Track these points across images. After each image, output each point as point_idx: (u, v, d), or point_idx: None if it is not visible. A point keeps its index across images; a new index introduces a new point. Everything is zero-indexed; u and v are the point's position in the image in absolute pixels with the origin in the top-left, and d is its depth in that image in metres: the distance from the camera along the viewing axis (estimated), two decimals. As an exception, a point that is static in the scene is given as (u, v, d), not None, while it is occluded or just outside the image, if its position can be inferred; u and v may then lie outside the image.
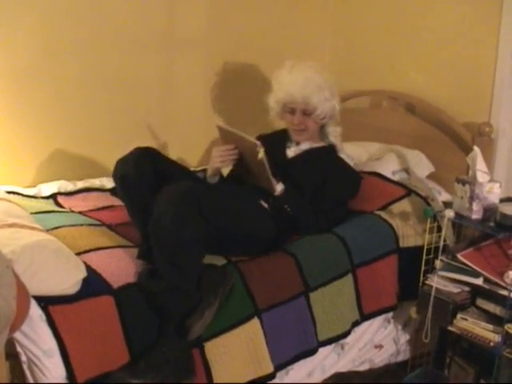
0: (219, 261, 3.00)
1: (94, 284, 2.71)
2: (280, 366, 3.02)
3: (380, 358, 3.54)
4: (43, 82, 3.79)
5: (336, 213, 3.41)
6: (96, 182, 3.88)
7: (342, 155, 3.60)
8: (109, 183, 3.82)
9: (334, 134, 3.62)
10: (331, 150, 3.58)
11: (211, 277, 2.85)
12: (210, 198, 2.92)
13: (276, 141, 3.60)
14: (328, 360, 3.26)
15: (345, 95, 4.52)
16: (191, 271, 2.79)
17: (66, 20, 3.79)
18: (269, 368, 2.96)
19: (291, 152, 3.58)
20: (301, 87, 3.38)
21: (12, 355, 2.53)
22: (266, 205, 3.26)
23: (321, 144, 3.60)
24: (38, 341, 2.52)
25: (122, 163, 3.06)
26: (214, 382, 2.81)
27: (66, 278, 2.59)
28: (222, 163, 3.29)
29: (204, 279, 2.82)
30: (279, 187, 3.23)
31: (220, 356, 2.83)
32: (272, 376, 2.98)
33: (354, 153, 4.02)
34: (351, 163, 3.59)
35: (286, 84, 3.43)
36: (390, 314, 3.49)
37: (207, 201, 2.87)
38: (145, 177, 3.01)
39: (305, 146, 3.56)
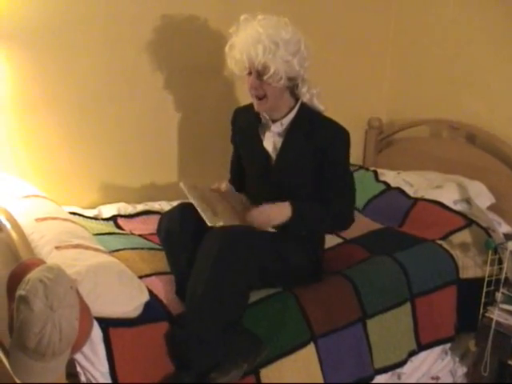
0: (274, 289, 3.00)
1: (154, 309, 2.72)
2: (335, 392, 3.00)
3: (436, 390, 3.49)
4: (104, 108, 3.85)
5: (348, 187, 3.11)
6: (155, 206, 3.90)
7: (319, 110, 3.15)
8: (168, 206, 3.85)
9: (306, 96, 3.10)
10: (306, 117, 3.09)
11: (245, 342, 2.76)
12: (252, 243, 2.85)
13: (249, 127, 3.20)
14: (383, 389, 3.23)
15: (404, 124, 4.55)
16: (219, 329, 2.68)
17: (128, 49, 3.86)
18: (324, 395, 2.94)
19: (269, 143, 3.13)
20: (251, 44, 2.89)
21: (72, 375, 2.53)
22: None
23: (290, 116, 3.08)
24: (97, 363, 2.53)
25: (167, 218, 3.03)
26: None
27: (129, 301, 2.61)
28: None
29: (237, 342, 2.72)
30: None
31: (275, 381, 2.82)
32: (327, 403, 2.95)
33: (413, 180, 4.01)
34: (322, 108, 3.16)
35: (239, 41, 2.97)
36: (448, 346, 3.44)
37: (251, 246, 2.81)
38: (188, 233, 2.94)
39: (276, 127, 3.09)
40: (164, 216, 3.08)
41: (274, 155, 3.10)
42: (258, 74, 2.95)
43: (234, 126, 3.35)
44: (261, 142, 3.13)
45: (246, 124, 3.22)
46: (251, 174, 3.25)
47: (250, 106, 3.16)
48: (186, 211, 2.99)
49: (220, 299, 2.66)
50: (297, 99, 3.10)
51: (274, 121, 3.08)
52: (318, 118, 3.09)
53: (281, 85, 2.96)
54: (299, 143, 3.04)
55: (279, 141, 3.09)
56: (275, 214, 2.96)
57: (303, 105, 3.10)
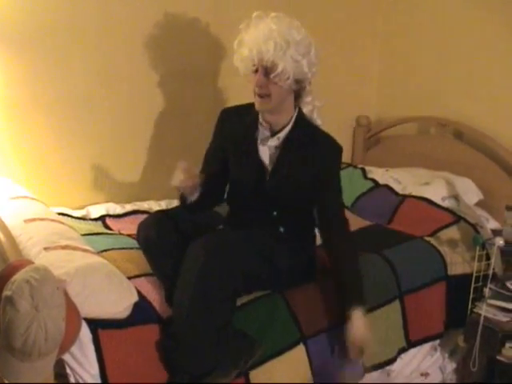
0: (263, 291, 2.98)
1: (143, 311, 2.72)
2: (325, 392, 3.00)
3: (426, 387, 3.50)
4: (94, 107, 3.85)
5: (342, 207, 3.11)
6: (144, 205, 3.91)
7: (317, 123, 3.13)
8: (157, 206, 3.87)
9: (308, 107, 3.09)
10: (304, 130, 3.04)
11: (238, 343, 2.75)
12: (237, 249, 2.82)
13: (244, 133, 3.09)
14: (373, 387, 3.24)
15: (392, 122, 4.55)
16: (210, 335, 2.66)
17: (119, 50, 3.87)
18: (313, 395, 2.95)
19: (264, 153, 3.04)
20: (262, 41, 2.83)
21: (61, 376, 2.53)
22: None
23: (287, 129, 3.01)
24: (87, 364, 2.53)
25: (144, 227, 2.98)
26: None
27: (119, 302, 2.60)
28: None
29: (230, 344, 2.71)
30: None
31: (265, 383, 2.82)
32: (317, 402, 2.96)
33: (401, 177, 4.02)
34: (320, 123, 3.14)
35: (249, 37, 2.90)
36: (437, 342, 3.46)
37: (235, 252, 2.79)
38: (167, 239, 2.90)
39: (273, 141, 3.02)
40: (140, 225, 3.02)
41: (269, 168, 3.03)
42: (266, 71, 2.86)
43: (223, 126, 3.18)
44: (256, 151, 3.04)
45: (240, 129, 3.09)
46: (240, 184, 3.12)
47: (241, 108, 3.13)
48: (161, 219, 2.97)
49: (207, 308, 2.64)
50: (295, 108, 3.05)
51: (272, 132, 3.02)
52: (316, 132, 3.06)
53: (287, 85, 2.88)
54: (296, 157, 2.98)
55: (275, 153, 3.02)
56: (363, 325, 2.87)
57: (300, 115, 3.05)
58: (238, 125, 3.10)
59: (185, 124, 4.19)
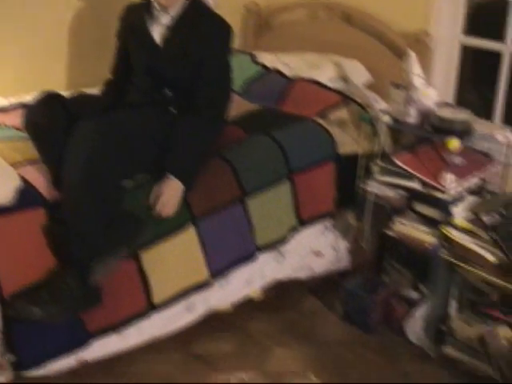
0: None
1: (28, 195, 2.67)
2: (219, 272, 3.04)
3: (320, 266, 3.55)
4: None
5: (223, 80, 3.16)
6: (27, 98, 3.77)
7: (209, 6, 3.28)
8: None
9: None
10: (196, 11, 3.13)
11: (125, 222, 2.76)
12: (128, 131, 2.86)
13: (139, 22, 3.17)
14: (267, 267, 3.28)
15: (281, 7, 4.48)
16: (97, 218, 2.66)
17: None
18: (205, 274, 2.98)
19: (157, 35, 3.11)
20: None
21: None
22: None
23: (180, 8, 3.10)
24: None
25: (32, 109, 2.90)
26: (152, 291, 2.83)
27: (1, 187, 2.55)
28: None
29: (118, 224, 2.73)
30: None
31: (157, 265, 2.84)
32: (209, 282, 3.00)
33: (291, 61, 3.99)
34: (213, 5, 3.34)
35: None
36: (330, 222, 3.50)
37: (126, 134, 2.82)
38: (54, 122, 2.84)
39: (165, 19, 3.10)
40: (28, 108, 2.94)
41: (161, 45, 3.09)
42: None
43: (124, 22, 3.27)
44: (150, 34, 3.11)
45: (137, 20, 3.17)
46: (138, 67, 3.19)
47: (142, 3, 3.19)
48: (49, 101, 2.90)
49: (97, 190, 2.63)
50: None
51: (165, 13, 3.08)
52: (206, 12, 3.15)
53: None
54: (186, 35, 3.06)
55: (168, 33, 3.09)
56: (172, 197, 2.87)
57: (195, 1, 3.14)
58: (136, 17, 3.20)
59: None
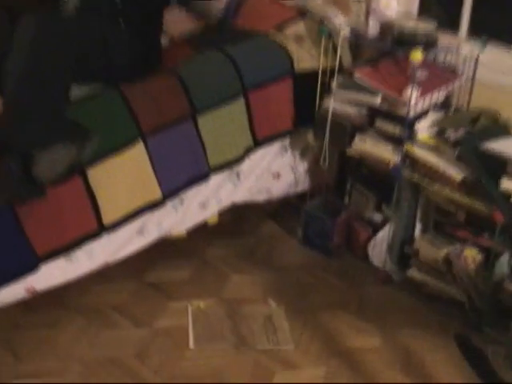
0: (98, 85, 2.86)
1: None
2: (171, 192, 2.93)
3: (278, 188, 3.46)
4: None
5: None
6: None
7: None
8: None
9: None
10: None
11: (73, 128, 2.63)
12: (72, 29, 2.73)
13: None
14: (223, 190, 3.17)
15: None
16: (42, 109, 2.55)
17: None
18: (156, 193, 2.87)
19: None
20: None
21: None
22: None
23: None
24: None
25: None
26: (101, 210, 2.71)
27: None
28: None
29: (64, 127, 2.60)
30: None
31: (104, 182, 2.71)
32: (161, 202, 2.89)
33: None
34: None
35: None
36: (288, 142, 3.39)
37: (70, 32, 2.69)
38: None
39: None
40: None
41: None
42: None
43: None
44: None
45: None
46: None
47: None
48: None
49: (41, 81, 2.53)
50: None
51: None
52: None
53: None
54: None
55: None
56: None
57: None
58: None
59: None
